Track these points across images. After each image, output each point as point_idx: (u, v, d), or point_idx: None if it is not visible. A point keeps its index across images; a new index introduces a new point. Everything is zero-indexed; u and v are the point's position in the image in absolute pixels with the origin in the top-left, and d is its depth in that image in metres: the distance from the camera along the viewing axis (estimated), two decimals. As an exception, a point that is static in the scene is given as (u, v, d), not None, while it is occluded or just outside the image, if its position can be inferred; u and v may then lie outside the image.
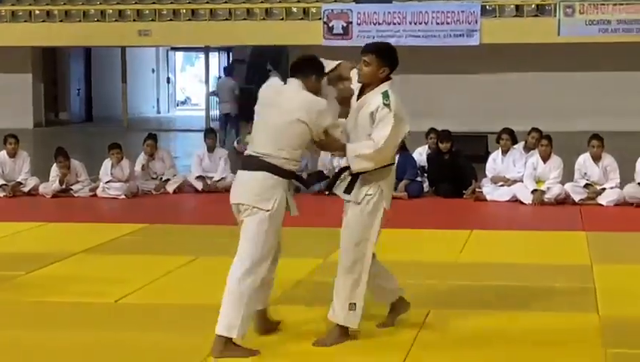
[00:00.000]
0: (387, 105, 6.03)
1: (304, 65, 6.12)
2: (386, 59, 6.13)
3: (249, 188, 5.97)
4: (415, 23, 25.11)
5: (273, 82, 6.26)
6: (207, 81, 29.63)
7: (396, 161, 6.49)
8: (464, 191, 13.10)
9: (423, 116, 22.97)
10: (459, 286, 7.95)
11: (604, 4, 24.58)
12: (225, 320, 5.88)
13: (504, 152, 13.22)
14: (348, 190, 6.13)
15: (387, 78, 6.15)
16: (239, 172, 6.17)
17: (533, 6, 25.46)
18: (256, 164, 5.96)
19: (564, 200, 12.55)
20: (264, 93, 6.18)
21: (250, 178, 5.99)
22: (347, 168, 6.17)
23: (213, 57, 32.28)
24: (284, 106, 5.97)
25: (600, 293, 7.60)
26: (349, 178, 6.13)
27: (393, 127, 6.00)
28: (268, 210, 5.90)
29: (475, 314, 7.01)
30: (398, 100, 6.09)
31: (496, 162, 13.23)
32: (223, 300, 5.92)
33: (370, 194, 6.12)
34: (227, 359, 5.89)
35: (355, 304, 6.13)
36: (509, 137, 13.29)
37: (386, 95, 6.07)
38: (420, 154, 13.94)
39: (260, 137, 6.05)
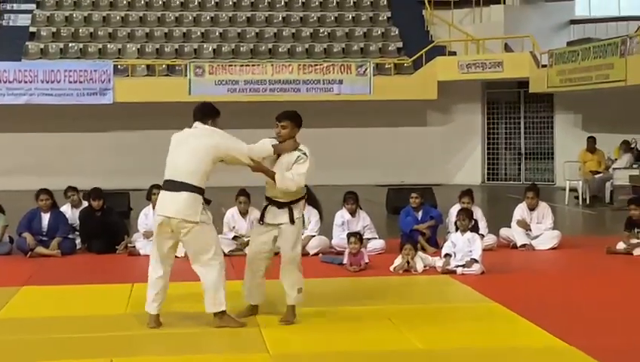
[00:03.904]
0: (305, 155, 8.61)
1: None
2: (296, 122, 8.74)
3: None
4: (47, 82, 24.92)
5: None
6: None
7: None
8: (117, 247, 13.32)
9: (63, 174, 23.07)
10: (132, 336, 8.23)
11: (231, 66, 25.82)
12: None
13: (155, 207, 13.54)
14: (290, 219, 8.60)
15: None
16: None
17: (164, 66, 26.22)
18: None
19: (217, 252, 13.07)
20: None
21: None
22: (269, 204, 8.73)
23: None
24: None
25: (266, 334, 8.19)
26: (287, 210, 8.62)
27: (308, 169, 8.56)
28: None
29: (156, 359, 7.34)
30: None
31: (147, 217, 13.53)
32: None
33: (299, 217, 8.67)
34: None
35: (301, 288, 8.66)
36: (158, 191, 13.64)
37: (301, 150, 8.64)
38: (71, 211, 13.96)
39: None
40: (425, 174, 25.64)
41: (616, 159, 21.30)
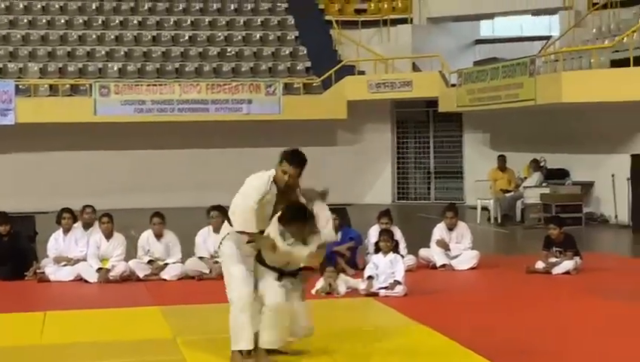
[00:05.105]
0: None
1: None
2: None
3: None
4: (-53, 102, 24.12)
5: None
6: None
7: None
8: (25, 273, 12.79)
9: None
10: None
11: (138, 85, 25.33)
12: None
13: (66, 231, 13.09)
14: None
15: None
16: None
17: (67, 86, 25.60)
18: None
19: (128, 277, 12.71)
20: None
21: None
22: None
23: None
24: None
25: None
26: None
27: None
28: None
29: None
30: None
31: (57, 241, 13.06)
32: None
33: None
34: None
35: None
36: (71, 216, 13.20)
37: None
38: (-24, 237, 13.37)
39: None
40: (335, 194, 25.23)
41: (525, 178, 21.45)
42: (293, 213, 7.72)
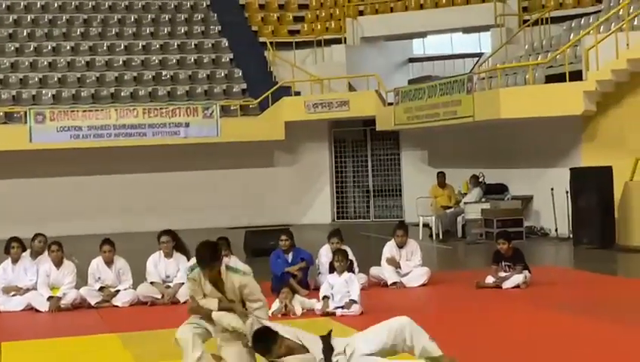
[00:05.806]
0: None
1: None
2: None
3: None
4: None
5: None
6: None
7: None
8: (-26, 305, 12.59)
9: None
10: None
11: (74, 111, 25.07)
12: None
13: (14, 261, 12.91)
14: None
15: None
16: None
17: (1, 114, 25.26)
18: None
19: (80, 305, 12.57)
20: None
21: None
22: None
23: None
24: None
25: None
26: None
27: None
28: None
29: None
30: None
31: (6, 271, 12.87)
32: None
33: None
34: None
35: None
36: (20, 245, 13.02)
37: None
38: None
39: None
40: (275, 214, 25.54)
41: (465, 193, 21.69)
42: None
